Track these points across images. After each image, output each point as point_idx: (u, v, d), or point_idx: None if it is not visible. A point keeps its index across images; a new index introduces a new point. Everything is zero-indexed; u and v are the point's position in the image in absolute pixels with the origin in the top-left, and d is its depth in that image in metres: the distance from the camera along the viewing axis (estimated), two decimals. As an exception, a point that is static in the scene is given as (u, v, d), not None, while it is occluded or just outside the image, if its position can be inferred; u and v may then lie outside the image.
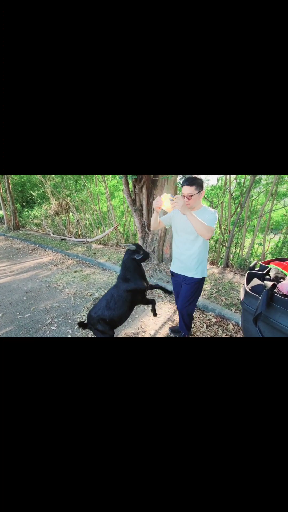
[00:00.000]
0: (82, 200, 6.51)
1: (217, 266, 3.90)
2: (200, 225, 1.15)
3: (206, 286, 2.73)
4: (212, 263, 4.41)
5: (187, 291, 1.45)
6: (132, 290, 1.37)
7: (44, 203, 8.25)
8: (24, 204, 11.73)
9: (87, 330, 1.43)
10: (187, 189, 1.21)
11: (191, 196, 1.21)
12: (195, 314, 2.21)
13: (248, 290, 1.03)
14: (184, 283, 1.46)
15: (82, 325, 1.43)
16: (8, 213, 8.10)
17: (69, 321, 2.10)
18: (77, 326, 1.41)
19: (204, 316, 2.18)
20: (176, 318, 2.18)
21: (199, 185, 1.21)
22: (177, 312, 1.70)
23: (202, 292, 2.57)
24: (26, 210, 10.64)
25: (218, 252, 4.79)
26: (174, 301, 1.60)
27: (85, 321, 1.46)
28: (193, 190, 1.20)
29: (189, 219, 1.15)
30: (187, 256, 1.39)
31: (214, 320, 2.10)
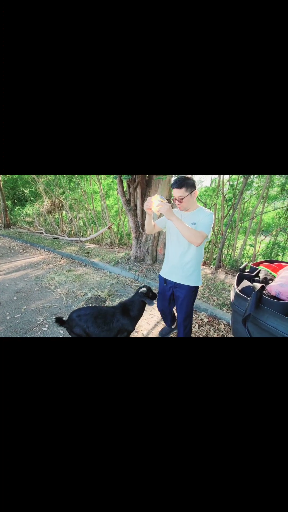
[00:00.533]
0: (75, 199, 6.42)
1: (209, 266, 3.96)
2: (186, 230, 1.07)
3: (199, 286, 2.76)
4: (205, 263, 4.47)
5: (188, 304, 1.36)
6: (125, 328, 1.39)
7: (36, 201, 8.08)
8: (15, 201, 11.43)
9: (63, 327, 1.40)
10: (177, 192, 1.14)
11: (182, 198, 1.15)
12: (187, 314, 2.24)
13: (238, 291, 1.06)
14: (179, 293, 1.35)
15: (59, 321, 1.39)
16: (-1, 210, 7.86)
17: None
18: (55, 320, 1.38)
19: (197, 316, 2.21)
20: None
21: (190, 185, 1.14)
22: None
23: (195, 292, 2.60)
24: (17, 207, 10.37)
25: (211, 253, 4.86)
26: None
27: (64, 318, 1.42)
28: (183, 192, 1.13)
29: (175, 224, 1.08)
30: (181, 262, 1.29)
31: (206, 320, 2.13)
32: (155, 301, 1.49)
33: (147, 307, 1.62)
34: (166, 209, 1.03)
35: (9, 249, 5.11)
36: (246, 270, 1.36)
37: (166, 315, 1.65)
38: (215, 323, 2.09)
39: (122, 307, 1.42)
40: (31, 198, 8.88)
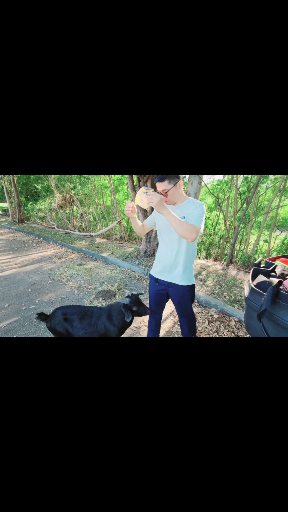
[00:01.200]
0: (86, 194, 6.48)
1: (220, 262, 3.87)
2: (179, 225, 0.97)
3: (209, 282, 2.72)
4: (215, 259, 4.38)
5: (185, 304, 1.29)
6: (108, 334, 1.29)
7: (48, 196, 8.26)
8: (28, 197, 11.78)
9: (43, 322, 1.31)
10: (161, 186, 1.05)
11: (167, 192, 1.06)
12: (196, 310, 2.22)
13: (253, 286, 1.02)
14: (175, 294, 1.28)
15: (42, 316, 1.30)
16: (13, 206, 8.15)
17: (73, 314, 2.13)
18: (36, 316, 1.29)
19: (206, 312, 2.18)
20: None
21: (173, 177, 1.04)
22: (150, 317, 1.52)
23: (205, 288, 2.57)
24: (30, 203, 10.69)
25: (222, 249, 4.75)
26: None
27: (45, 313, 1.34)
28: (166, 185, 1.04)
29: (166, 218, 0.99)
30: (174, 260, 1.21)
31: (216, 316, 2.10)
32: (144, 312, 1.31)
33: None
34: (157, 200, 0.92)
35: (23, 243, 5.30)
36: (262, 265, 1.31)
37: (155, 320, 1.51)
38: (226, 319, 2.05)
39: (108, 311, 1.30)
40: (43, 193, 9.09)
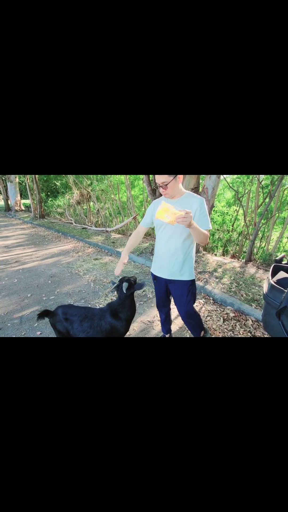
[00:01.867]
0: (102, 190, 6.59)
1: (238, 260, 3.71)
2: (202, 235, 1.02)
3: (225, 280, 2.63)
4: (233, 256, 4.21)
5: (187, 301, 1.27)
6: (116, 329, 1.25)
7: (66, 193, 8.56)
8: (48, 193, 12.32)
9: (46, 318, 1.28)
10: (160, 178, 1.02)
11: (167, 184, 1.03)
12: (210, 307, 2.18)
13: (273, 283, 0.98)
14: (175, 290, 1.28)
15: (45, 313, 1.26)
16: (35, 202, 8.60)
17: (89, 305, 2.22)
18: (38, 316, 1.25)
19: (222, 310, 2.13)
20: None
21: None
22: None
23: (221, 285, 2.49)
24: (50, 199, 11.18)
25: (240, 246, 4.54)
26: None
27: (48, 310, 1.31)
28: (167, 177, 1.01)
29: (193, 233, 1.01)
30: (170, 255, 1.19)
31: (232, 314, 2.04)
32: (143, 284, 1.26)
33: (147, 309, 1.59)
34: (190, 221, 0.90)
35: (43, 237, 5.60)
36: (284, 262, 1.24)
37: (165, 315, 1.55)
38: (242, 318, 1.99)
39: (110, 309, 1.27)
40: (62, 190, 9.44)
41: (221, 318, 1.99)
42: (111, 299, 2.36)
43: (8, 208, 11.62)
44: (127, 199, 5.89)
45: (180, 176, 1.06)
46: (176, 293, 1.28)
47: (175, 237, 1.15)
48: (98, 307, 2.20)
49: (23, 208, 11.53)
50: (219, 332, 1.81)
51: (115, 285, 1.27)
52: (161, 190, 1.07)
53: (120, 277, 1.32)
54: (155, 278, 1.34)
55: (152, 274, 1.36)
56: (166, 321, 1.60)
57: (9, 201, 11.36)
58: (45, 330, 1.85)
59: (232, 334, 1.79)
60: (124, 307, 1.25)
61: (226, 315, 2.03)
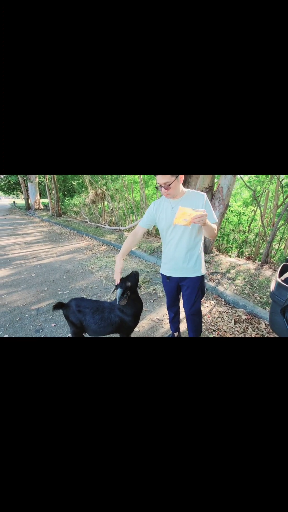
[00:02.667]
0: (116, 189, 6.71)
1: (253, 261, 3.58)
2: (213, 229, 1.07)
3: (238, 282, 2.56)
4: (248, 258, 4.06)
5: (190, 294, 1.28)
6: (125, 323, 1.28)
7: (82, 192, 8.83)
8: (65, 193, 12.80)
9: (60, 310, 1.33)
10: (163, 178, 1.01)
11: (169, 185, 1.02)
12: (222, 309, 2.13)
13: (280, 281, 0.96)
14: (185, 285, 1.28)
15: (59, 305, 1.32)
16: (53, 201, 8.99)
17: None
18: (53, 308, 1.31)
19: (234, 311, 2.08)
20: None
21: None
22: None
23: (234, 287, 2.43)
24: (67, 198, 11.61)
25: (257, 247, 4.36)
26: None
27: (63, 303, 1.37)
28: (169, 178, 1.00)
29: (206, 229, 1.05)
30: (186, 257, 1.19)
31: (244, 317, 1.98)
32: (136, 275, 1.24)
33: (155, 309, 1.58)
34: (206, 219, 0.97)
35: (60, 235, 5.84)
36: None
37: (174, 314, 1.56)
38: (255, 321, 1.92)
39: (118, 306, 1.27)
40: (78, 189, 9.76)
41: (233, 320, 1.95)
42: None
43: (28, 207, 12.27)
44: (140, 198, 5.93)
45: (181, 176, 1.07)
46: (187, 290, 1.29)
47: (186, 237, 1.16)
48: (111, 300, 2.27)
49: (42, 207, 12.09)
50: (230, 334, 1.78)
51: (117, 292, 1.22)
52: (162, 191, 1.07)
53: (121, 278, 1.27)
54: (168, 278, 1.33)
55: (164, 276, 1.35)
56: (175, 319, 1.60)
57: (29, 200, 11.99)
58: (59, 322, 1.95)
59: (243, 337, 1.74)
60: (128, 304, 1.25)
61: (238, 317, 1.98)
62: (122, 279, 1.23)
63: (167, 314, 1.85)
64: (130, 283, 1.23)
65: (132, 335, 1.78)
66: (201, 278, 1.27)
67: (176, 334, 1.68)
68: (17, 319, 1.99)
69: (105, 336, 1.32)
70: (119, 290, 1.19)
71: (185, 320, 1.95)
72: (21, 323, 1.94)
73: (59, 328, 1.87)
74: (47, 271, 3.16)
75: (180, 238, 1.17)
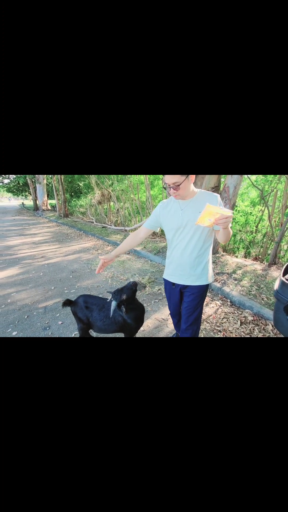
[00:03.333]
0: (122, 190, 6.75)
1: (262, 262, 3.51)
2: (229, 233, 0.96)
3: (244, 282, 2.52)
4: (255, 258, 3.99)
5: (199, 305, 1.20)
6: (127, 323, 1.27)
7: (89, 193, 8.95)
8: (72, 194, 13.00)
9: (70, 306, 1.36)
10: (171, 178, 0.93)
11: (179, 185, 0.94)
12: (227, 310, 2.11)
13: (284, 280, 0.95)
14: (189, 294, 1.19)
15: (68, 302, 1.37)
16: (60, 202, 9.16)
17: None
18: (62, 304, 1.36)
19: (240, 312, 2.05)
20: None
21: None
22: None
23: (240, 287, 2.40)
24: (74, 199, 11.78)
25: (264, 248, 4.28)
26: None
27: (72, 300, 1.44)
28: (179, 177, 0.92)
29: (224, 233, 0.94)
30: (190, 260, 1.11)
31: (250, 318, 1.95)
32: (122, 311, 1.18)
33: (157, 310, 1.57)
34: (231, 220, 0.86)
35: (67, 235, 5.95)
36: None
37: (177, 319, 1.48)
38: (261, 323, 1.89)
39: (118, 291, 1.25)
40: (85, 190, 9.89)
41: (238, 321, 1.92)
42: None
43: (36, 208, 12.53)
44: (146, 199, 5.95)
45: (192, 176, 0.99)
46: (189, 297, 1.20)
47: (195, 241, 1.07)
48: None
49: (50, 208, 12.32)
50: (235, 335, 1.76)
51: (112, 304, 1.19)
52: (171, 191, 0.98)
53: (116, 289, 1.24)
54: (173, 285, 1.23)
55: (169, 282, 1.25)
56: (179, 323, 1.52)
57: (37, 201, 12.25)
58: (66, 320, 1.99)
59: (250, 338, 1.72)
60: (129, 309, 1.22)
61: (244, 318, 1.96)
62: (117, 291, 1.19)
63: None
64: (126, 295, 1.18)
65: (137, 335, 1.80)
66: (207, 287, 1.19)
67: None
68: (26, 317, 2.05)
69: (108, 336, 1.32)
70: (113, 303, 1.16)
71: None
72: (29, 321, 1.99)
73: (65, 326, 1.91)
74: (54, 270, 3.23)
75: (188, 242, 1.08)
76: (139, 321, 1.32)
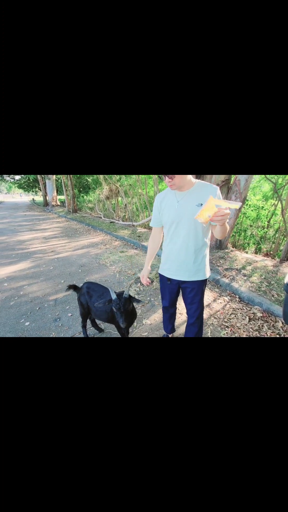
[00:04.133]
0: (130, 184, 6.71)
1: (273, 258, 3.41)
2: (226, 231, 0.93)
3: (254, 278, 2.47)
4: (266, 254, 3.87)
5: (200, 300, 1.18)
6: (114, 318, 1.27)
7: (97, 188, 8.98)
8: (81, 189, 13.10)
9: (74, 292, 1.42)
10: None
11: (173, 175, 0.89)
12: (235, 306, 2.08)
13: None
14: (189, 289, 1.17)
15: (73, 286, 1.48)
16: (69, 197, 9.28)
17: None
18: (67, 287, 1.49)
19: (248, 309, 2.02)
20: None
21: None
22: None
23: (249, 283, 2.35)
24: (82, 195, 11.88)
25: (277, 243, 4.14)
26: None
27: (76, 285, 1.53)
28: None
29: (221, 229, 0.90)
30: (186, 256, 1.08)
31: (259, 314, 1.92)
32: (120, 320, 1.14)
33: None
34: (228, 217, 0.81)
35: (75, 230, 6.04)
36: None
37: (170, 313, 1.46)
38: (271, 319, 1.86)
39: (118, 296, 1.22)
40: (93, 185, 9.93)
41: (247, 317, 1.90)
42: (135, 290, 2.45)
43: (46, 203, 12.77)
44: (154, 193, 5.89)
45: None
46: (190, 292, 1.18)
47: (192, 235, 1.03)
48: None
49: (59, 203, 12.51)
50: (243, 331, 1.74)
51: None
52: (166, 180, 0.93)
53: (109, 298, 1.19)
54: (169, 280, 1.21)
55: (164, 277, 1.23)
56: (171, 320, 1.51)
57: (47, 197, 12.47)
58: (75, 312, 2.05)
59: (258, 335, 1.70)
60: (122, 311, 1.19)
61: (252, 315, 1.93)
62: (121, 297, 1.16)
63: (184, 306, 1.83)
64: (116, 307, 1.14)
65: (144, 327, 1.82)
66: (205, 281, 1.18)
67: (170, 336, 1.61)
68: (37, 308, 2.14)
69: (107, 336, 1.31)
70: (114, 302, 1.14)
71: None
72: (41, 312, 2.07)
73: (75, 318, 1.97)
74: (63, 264, 3.31)
75: (186, 236, 1.04)
76: (129, 322, 1.29)
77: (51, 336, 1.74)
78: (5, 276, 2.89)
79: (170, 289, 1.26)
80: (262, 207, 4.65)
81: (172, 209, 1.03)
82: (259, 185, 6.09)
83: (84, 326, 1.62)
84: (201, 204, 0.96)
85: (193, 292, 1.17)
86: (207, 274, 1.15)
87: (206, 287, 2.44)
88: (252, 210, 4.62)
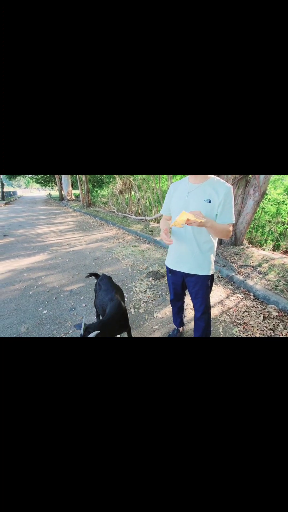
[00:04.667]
0: (143, 178, 6.65)
1: (292, 256, 3.23)
2: (222, 231, 0.95)
3: (271, 276, 2.37)
4: (286, 252, 3.68)
5: (204, 296, 1.18)
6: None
7: (111, 183, 9.02)
8: (95, 184, 13.26)
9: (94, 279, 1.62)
10: None
11: None
12: (249, 303, 2.03)
13: None
14: (192, 284, 1.17)
15: (94, 274, 1.75)
16: (83, 192, 9.45)
17: (126, 287, 2.41)
18: (88, 274, 1.76)
19: (263, 307, 1.96)
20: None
21: None
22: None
23: (265, 281, 2.27)
24: (96, 189, 12.02)
25: (296, 240, 3.90)
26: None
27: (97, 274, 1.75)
28: None
29: (211, 231, 0.93)
30: (189, 248, 1.08)
31: (275, 313, 1.86)
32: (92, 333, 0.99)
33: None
34: (210, 221, 0.91)
35: (89, 224, 6.18)
36: None
37: (177, 307, 1.47)
38: (287, 319, 1.79)
39: (112, 300, 1.30)
40: (107, 180, 10.00)
41: (261, 315, 1.84)
42: (147, 284, 2.48)
43: (61, 198, 13.13)
44: (167, 187, 5.79)
45: None
46: (194, 287, 1.18)
47: (196, 228, 1.03)
48: (133, 290, 2.37)
49: (74, 198, 12.79)
50: (257, 329, 1.70)
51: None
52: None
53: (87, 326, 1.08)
54: (170, 272, 1.24)
55: (168, 268, 1.26)
56: (179, 313, 1.52)
57: (62, 191, 12.81)
58: (89, 303, 2.13)
59: (273, 334, 1.65)
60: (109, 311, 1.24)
61: (267, 313, 1.87)
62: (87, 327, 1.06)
63: (191, 302, 1.83)
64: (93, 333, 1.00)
65: (155, 320, 1.85)
66: (210, 277, 1.16)
67: (181, 329, 1.63)
68: (54, 298, 2.25)
69: (107, 336, 1.19)
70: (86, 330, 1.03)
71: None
72: (57, 302, 2.19)
73: (89, 308, 2.05)
74: (78, 257, 3.43)
75: (189, 228, 1.04)
76: (112, 329, 1.22)
77: (66, 324, 1.84)
78: (25, 267, 3.06)
79: (174, 280, 1.27)
80: (283, 201, 4.38)
81: (182, 199, 1.05)
82: (280, 178, 5.71)
83: (98, 317, 1.68)
84: (210, 201, 0.98)
85: (197, 286, 1.17)
86: (211, 271, 1.15)
87: (219, 284, 2.41)
88: (271, 205, 4.37)
